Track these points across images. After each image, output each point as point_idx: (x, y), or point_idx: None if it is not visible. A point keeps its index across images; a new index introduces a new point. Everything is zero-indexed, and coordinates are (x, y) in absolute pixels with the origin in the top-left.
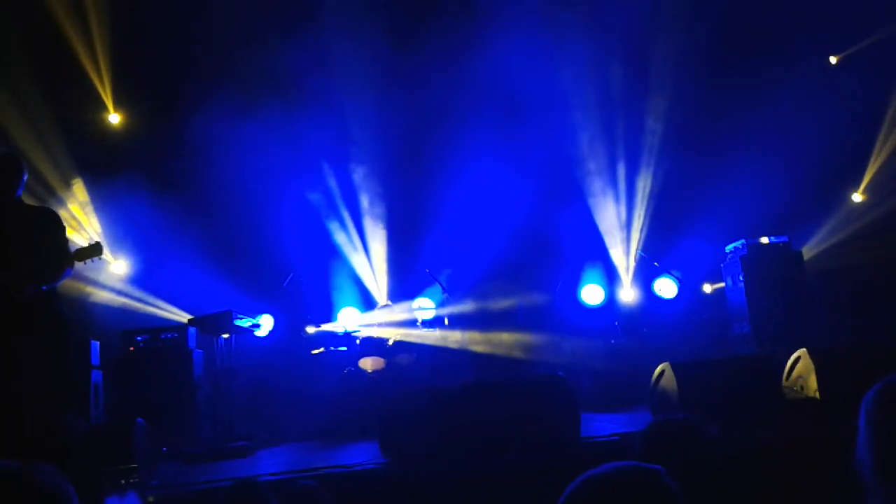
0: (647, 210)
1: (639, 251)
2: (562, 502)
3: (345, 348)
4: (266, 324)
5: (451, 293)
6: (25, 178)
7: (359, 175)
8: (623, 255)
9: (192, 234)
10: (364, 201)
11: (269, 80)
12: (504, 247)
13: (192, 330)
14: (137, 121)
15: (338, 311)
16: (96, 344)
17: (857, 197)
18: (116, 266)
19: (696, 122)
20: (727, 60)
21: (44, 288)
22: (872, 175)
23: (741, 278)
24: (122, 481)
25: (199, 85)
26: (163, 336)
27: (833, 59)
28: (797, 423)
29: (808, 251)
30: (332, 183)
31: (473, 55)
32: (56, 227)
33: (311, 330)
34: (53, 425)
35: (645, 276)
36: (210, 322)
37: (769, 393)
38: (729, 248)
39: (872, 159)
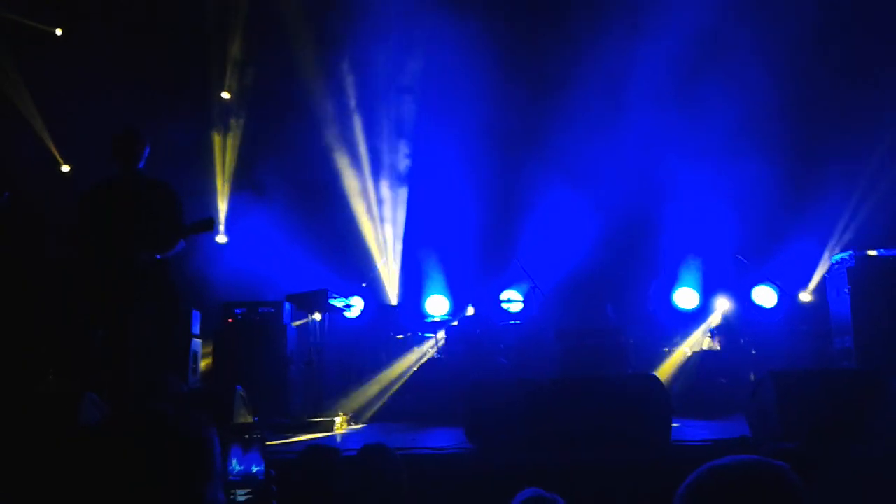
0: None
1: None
2: (683, 491)
3: (430, 335)
4: (357, 305)
5: (541, 288)
6: (148, 151)
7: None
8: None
9: (293, 213)
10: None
11: None
12: (595, 244)
13: (287, 306)
14: None
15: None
16: (198, 314)
17: None
18: (220, 239)
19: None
20: None
21: (157, 257)
22: None
23: (847, 290)
24: (246, 436)
25: None
26: (260, 310)
27: None
28: None
29: None
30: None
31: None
32: (172, 199)
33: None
34: (156, 385)
35: (742, 282)
36: (306, 299)
37: (873, 409)
38: (835, 258)
39: None
